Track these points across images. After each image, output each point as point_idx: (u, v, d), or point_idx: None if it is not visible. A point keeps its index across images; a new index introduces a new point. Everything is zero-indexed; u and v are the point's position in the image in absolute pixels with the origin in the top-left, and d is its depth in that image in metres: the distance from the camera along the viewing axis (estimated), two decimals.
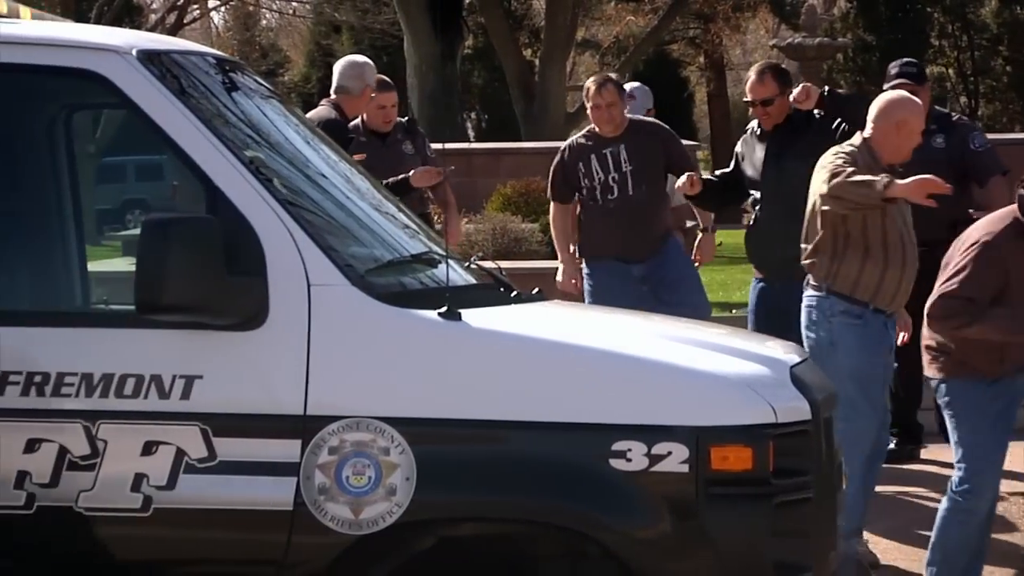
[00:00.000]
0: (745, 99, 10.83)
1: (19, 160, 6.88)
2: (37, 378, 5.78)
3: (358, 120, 12.00)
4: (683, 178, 10.51)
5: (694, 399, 5.74)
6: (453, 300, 5.84)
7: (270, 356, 5.75)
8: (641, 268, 11.21)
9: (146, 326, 5.71)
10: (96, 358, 5.80)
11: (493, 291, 6.40)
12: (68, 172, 7.08)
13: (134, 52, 6.05)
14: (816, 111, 10.50)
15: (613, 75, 11.56)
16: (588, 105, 11.26)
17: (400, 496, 5.68)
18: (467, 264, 6.69)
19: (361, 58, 12.94)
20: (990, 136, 8.80)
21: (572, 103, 43.73)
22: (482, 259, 7.10)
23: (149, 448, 5.74)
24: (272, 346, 5.75)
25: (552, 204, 11.87)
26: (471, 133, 50.43)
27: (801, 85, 10.44)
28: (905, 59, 12.06)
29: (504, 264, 7.31)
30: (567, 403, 5.69)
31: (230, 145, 5.91)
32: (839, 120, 10.32)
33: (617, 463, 5.63)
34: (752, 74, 10.85)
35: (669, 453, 5.62)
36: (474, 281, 6.44)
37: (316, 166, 6.57)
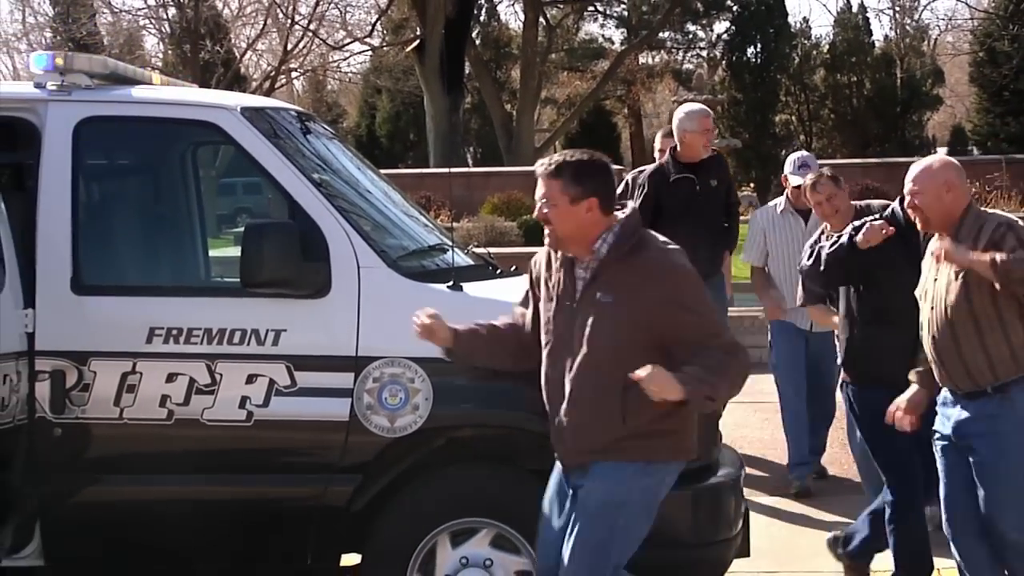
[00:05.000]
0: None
1: (164, 180, 6.87)
2: (174, 331, 5.73)
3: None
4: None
5: None
6: (457, 276, 5.81)
7: (333, 316, 5.70)
8: None
9: (248, 295, 5.66)
10: (214, 317, 5.75)
11: (485, 270, 6.35)
12: (196, 188, 7.05)
13: (239, 109, 6.01)
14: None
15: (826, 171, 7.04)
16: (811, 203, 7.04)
17: (422, 411, 5.64)
18: (467, 251, 6.64)
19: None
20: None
21: (538, 140, 43.68)
22: (477, 247, 7.06)
23: (251, 379, 5.69)
24: (334, 309, 5.69)
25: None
26: (470, 161, 50.32)
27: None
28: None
29: (492, 250, 7.26)
30: None
31: (304, 171, 5.87)
32: None
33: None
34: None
35: None
36: (472, 263, 6.38)
37: (364, 184, 6.53)
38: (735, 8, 51.58)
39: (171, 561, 5.96)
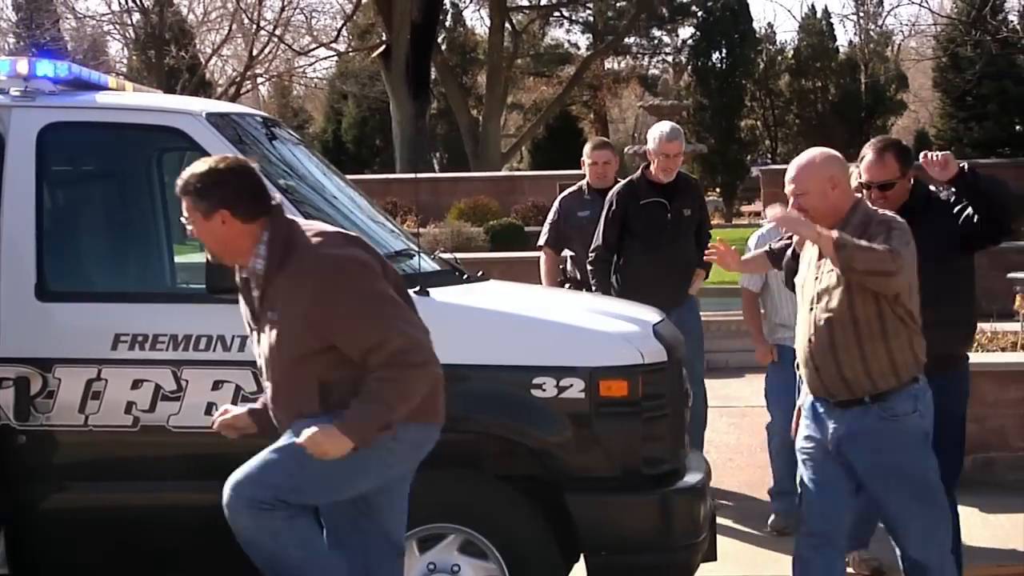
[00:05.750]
0: (860, 180, 6.01)
1: (129, 186, 6.83)
2: (140, 338, 5.71)
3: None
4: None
5: (589, 348, 5.69)
6: (424, 282, 5.78)
7: None
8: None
9: (213, 301, 5.63)
10: (180, 323, 5.73)
11: (451, 275, 6.35)
12: (161, 194, 7.01)
13: (204, 114, 5.99)
14: (943, 189, 6.15)
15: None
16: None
17: None
18: (433, 256, 6.63)
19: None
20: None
21: (505, 145, 43.68)
22: (444, 253, 7.05)
23: (217, 385, 5.68)
24: None
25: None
26: (436, 167, 50.30)
27: (941, 152, 5.93)
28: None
29: (459, 256, 7.25)
30: (502, 351, 5.65)
31: (270, 177, 5.82)
32: (967, 205, 5.94)
33: (537, 392, 5.59)
34: (869, 152, 6.04)
35: (571, 385, 5.58)
36: (438, 268, 6.38)
37: (330, 189, 6.52)
38: (700, 14, 51.80)
39: (138, 569, 5.93)
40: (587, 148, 9.18)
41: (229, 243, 4.74)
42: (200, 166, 4.74)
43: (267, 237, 4.70)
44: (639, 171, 8.60)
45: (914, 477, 5.36)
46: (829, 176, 5.33)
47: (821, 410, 5.43)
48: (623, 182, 8.59)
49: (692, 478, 5.90)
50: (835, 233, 5.15)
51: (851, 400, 5.31)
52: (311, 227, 4.82)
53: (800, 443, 5.55)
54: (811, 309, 5.37)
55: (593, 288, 8.21)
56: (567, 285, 8.82)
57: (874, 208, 5.53)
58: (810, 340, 5.36)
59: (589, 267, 8.31)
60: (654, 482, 5.70)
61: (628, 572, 5.72)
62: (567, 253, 9.03)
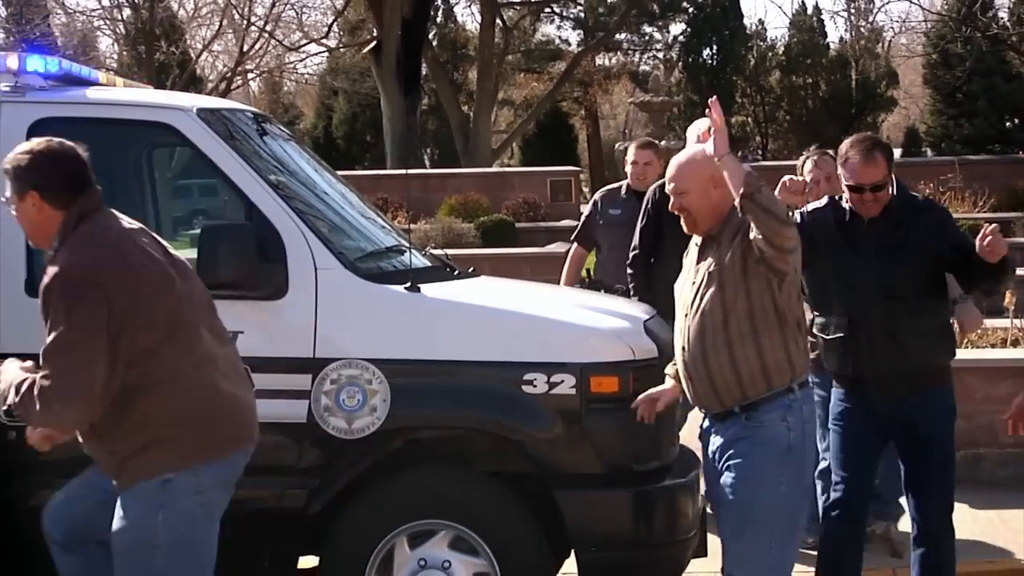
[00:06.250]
0: (847, 183, 5.80)
1: (120, 182, 6.82)
2: None
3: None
4: None
5: (580, 344, 5.70)
6: (415, 278, 5.79)
7: (289, 317, 5.68)
8: None
9: None
10: None
11: (442, 271, 6.35)
12: (152, 190, 7.02)
13: (195, 110, 5.99)
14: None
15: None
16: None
17: (380, 412, 5.63)
18: (424, 252, 6.63)
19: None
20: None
21: (496, 142, 43.68)
22: (434, 249, 7.06)
23: None
24: (291, 310, 5.68)
25: None
26: (427, 163, 50.24)
27: (991, 228, 5.55)
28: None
29: (450, 252, 7.26)
30: (493, 347, 5.65)
31: (261, 173, 5.85)
32: (969, 250, 5.64)
33: (527, 388, 5.59)
34: (855, 154, 5.77)
35: (563, 381, 5.58)
36: (429, 264, 6.38)
37: (320, 186, 6.52)
38: (691, 10, 51.74)
39: None
40: (631, 147, 8.90)
41: (37, 227, 4.62)
42: (22, 147, 4.65)
43: (60, 229, 4.55)
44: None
45: (752, 493, 4.95)
46: (711, 175, 5.02)
47: (705, 425, 5.19)
48: (657, 184, 8.07)
49: (682, 475, 5.90)
50: (745, 167, 4.90)
51: (724, 413, 5.02)
52: (103, 224, 4.62)
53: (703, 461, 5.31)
54: (686, 316, 5.08)
55: (631, 292, 7.85)
56: (583, 284, 8.64)
57: None
58: (684, 349, 5.08)
59: (628, 270, 7.98)
60: (644, 478, 5.70)
61: (618, 568, 5.73)
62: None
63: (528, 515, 5.64)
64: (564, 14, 52.48)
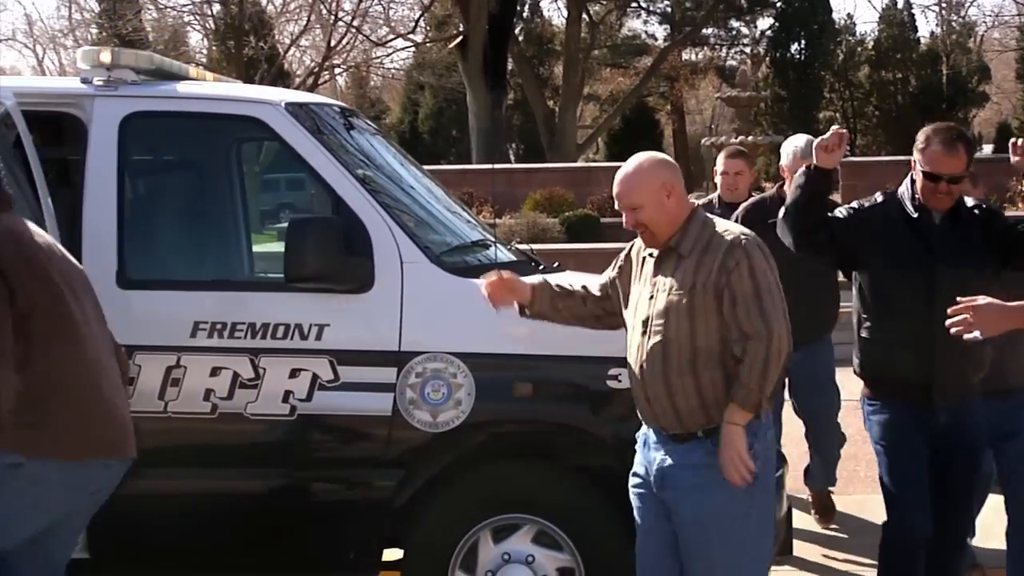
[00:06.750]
0: (923, 170, 5.41)
1: (208, 175, 6.90)
2: (219, 326, 5.76)
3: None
4: None
5: None
6: (500, 272, 5.79)
7: (375, 311, 5.70)
8: None
9: (291, 290, 5.68)
10: (258, 312, 5.77)
11: (527, 265, 6.35)
12: (240, 183, 7.08)
13: (283, 104, 6.02)
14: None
15: None
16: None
17: (464, 406, 5.64)
18: (509, 247, 6.64)
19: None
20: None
21: (581, 136, 43.64)
22: (519, 243, 7.06)
23: (294, 373, 5.70)
24: (377, 304, 5.70)
25: None
26: (512, 158, 50.30)
27: None
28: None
29: (534, 247, 7.25)
30: (578, 342, 5.63)
31: (347, 167, 5.87)
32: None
33: (612, 383, 5.57)
34: (937, 143, 5.43)
35: None
36: (514, 259, 6.38)
37: (407, 180, 6.53)
38: (779, 4, 51.39)
39: (215, 555, 5.99)
40: (720, 156, 8.33)
41: None
42: None
43: None
44: (774, 188, 7.88)
45: (720, 527, 4.67)
46: (662, 183, 4.74)
47: (653, 440, 4.83)
48: (753, 199, 7.76)
49: None
50: (742, 413, 4.60)
51: (684, 434, 4.70)
52: (6, 221, 4.54)
53: (631, 479, 4.98)
54: (644, 332, 4.75)
55: None
56: None
57: (708, 216, 4.88)
58: (642, 367, 4.74)
59: None
60: None
61: None
62: None
63: (613, 510, 5.62)
64: (651, 9, 52.36)
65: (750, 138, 24.58)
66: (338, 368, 5.68)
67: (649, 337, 4.72)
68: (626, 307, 4.97)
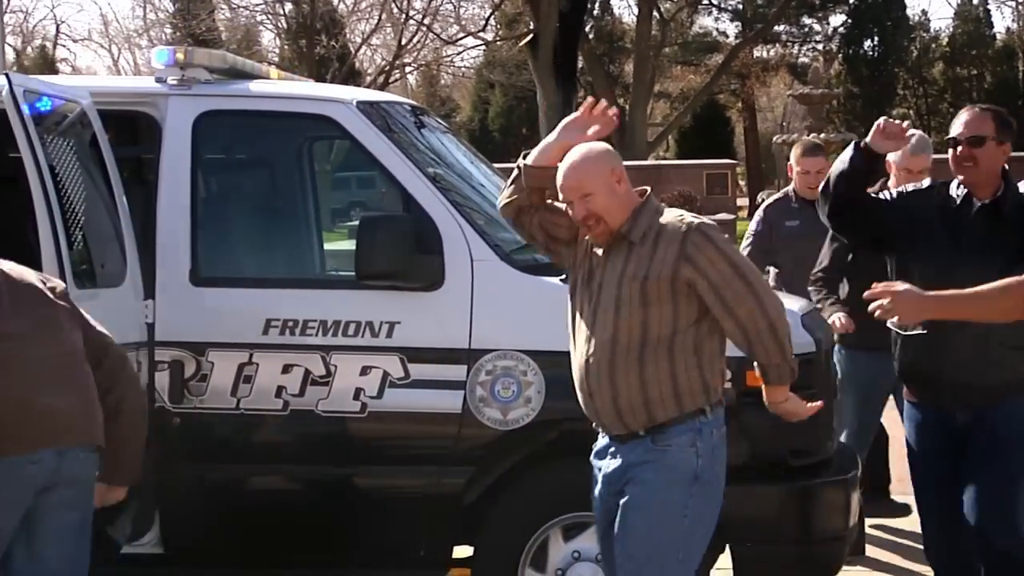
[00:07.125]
0: (948, 137, 5.27)
1: (280, 173, 6.95)
2: (290, 323, 5.79)
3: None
4: None
5: None
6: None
7: (446, 308, 5.71)
8: None
9: (362, 288, 5.70)
10: (329, 309, 5.80)
11: None
12: (311, 181, 7.12)
13: (354, 103, 6.05)
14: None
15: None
16: None
17: (534, 404, 5.64)
18: None
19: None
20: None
21: (652, 134, 43.53)
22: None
23: (365, 371, 5.73)
24: (447, 302, 5.71)
25: None
26: None
27: None
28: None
29: None
30: None
31: (418, 165, 5.89)
32: None
33: None
34: (963, 111, 5.41)
35: None
36: None
37: (477, 178, 6.54)
38: (852, 1, 50.99)
39: (284, 550, 6.03)
40: (795, 153, 8.02)
41: None
42: None
43: None
44: (877, 186, 6.99)
45: (653, 524, 4.51)
46: (611, 169, 4.54)
47: (601, 444, 4.74)
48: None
49: (841, 471, 5.82)
50: (781, 389, 4.64)
51: (626, 435, 4.56)
52: None
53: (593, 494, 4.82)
54: (590, 324, 4.56)
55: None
56: None
57: (658, 202, 4.68)
58: (588, 361, 4.55)
59: (810, 288, 7.17)
60: (800, 473, 5.63)
61: (773, 563, 5.67)
62: (771, 270, 7.92)
63: None
64: (722, 6, 52.16)
65: (822, 135, 24.46)
66: (408, 366, 5.69)
67: (597, 330, 4.52)
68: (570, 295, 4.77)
